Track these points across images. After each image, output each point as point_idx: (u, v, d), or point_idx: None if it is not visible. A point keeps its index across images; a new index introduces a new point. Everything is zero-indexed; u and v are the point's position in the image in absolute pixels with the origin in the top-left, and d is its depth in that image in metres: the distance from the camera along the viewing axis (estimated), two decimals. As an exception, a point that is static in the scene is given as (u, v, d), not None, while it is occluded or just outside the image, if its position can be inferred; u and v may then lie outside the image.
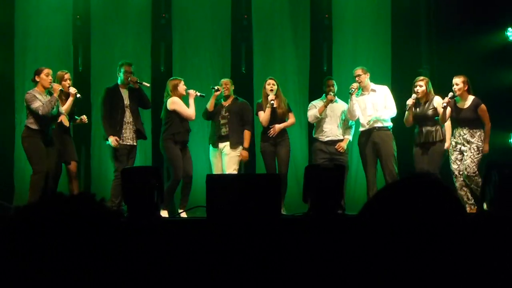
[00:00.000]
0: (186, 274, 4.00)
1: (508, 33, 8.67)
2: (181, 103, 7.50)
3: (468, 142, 7.14)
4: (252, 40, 9.32)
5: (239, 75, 9.11)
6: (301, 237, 4.70)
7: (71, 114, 7.37)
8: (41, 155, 6.88)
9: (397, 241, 1.26)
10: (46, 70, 7.00)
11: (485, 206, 6.55)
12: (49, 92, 7.04)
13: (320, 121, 7.79)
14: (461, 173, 7.16)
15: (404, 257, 1.24)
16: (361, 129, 7.67)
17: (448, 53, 8.65)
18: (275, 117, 7.68)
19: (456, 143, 7.24)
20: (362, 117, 7.63)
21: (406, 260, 1.24)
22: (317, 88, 8.44)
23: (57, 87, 7.02)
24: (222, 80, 7.84)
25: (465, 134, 7.18)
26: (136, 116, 7.41)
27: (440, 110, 7.22)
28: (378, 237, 1.28)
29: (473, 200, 7.08)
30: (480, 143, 7.12)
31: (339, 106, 7.87)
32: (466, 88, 7.20)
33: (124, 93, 7.38)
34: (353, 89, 7.55)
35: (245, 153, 7.65)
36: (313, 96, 8.50)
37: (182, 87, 7.53)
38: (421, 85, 7.32)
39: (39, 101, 6.86)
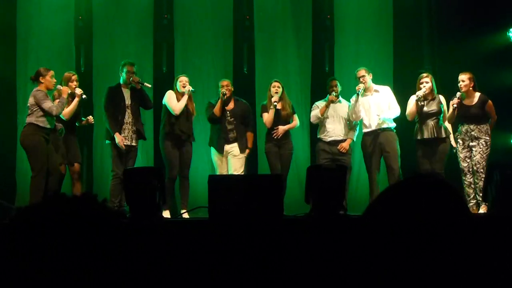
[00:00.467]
0: (188, 274, 4.00)
1: (510, 34, 8.67)
2: (171, 96, 7.57)
3: (476, 138, 7.15)
4: (254, 41, 9.32)
5: (241, 76, 9.11)
6: (303, 237, 4.70)
7: (77, 115, 7.37)
8: (43, 153, 6.87)
9: (401, 242, 1.25)
10: (51, 72, 7.03)
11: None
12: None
13: (323, 121, 7.81)
14: (470, 170, 7.18)
15: (408, 258, 1.24)
16: (365, 130, 7.66)
17: (449, 53, 8.64)
18: (279, 119, 7.71)
19: (464, 140, 7.24)
20: (366, 118, 7.62)
21: (409, 261, 1.24)
22: (319, 88, 8.45)
23: (66, 89, 7.05)
24: (223, 81, 7.82)
25: (472, 131, 7.19)
26: (137, 117, 7.42)
27: (445, 108, 7.25)
28: (381, 238, 1.27)
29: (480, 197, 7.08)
30: (488, 138, 7.16)
31: (343, 106, 7.87)
32: (472, 85, 7.23)
33: (126, 93, 7.40)
34: (360, 90, 7.56)
35: (248, 152, 7.79)
36: (315, 97, 8.50)
37: (179, 83, 7.58)
38: (427, 81, 7.35)
39: (50, 101, 6.89)
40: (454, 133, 7.40)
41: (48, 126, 6.88)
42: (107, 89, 7.48)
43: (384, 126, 7.53)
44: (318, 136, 7.92)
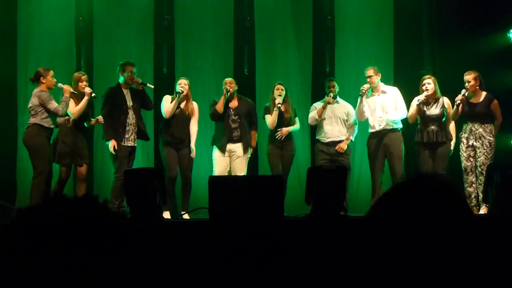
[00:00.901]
0: (188, 275, 4.00)
1: (510, 35, 8.67)
2: (165, 100, 7.59)
3: (480, 137, 7.15)
4: (254, 42, 9.31)
5: (241, 77, 9.09)
6: (304, 238, 4.70)
7: (86, 115, 7.34)
8: (47, 154, 6.89)
9: (403, 242, 1.25)
10: (51, 72, 7.05)
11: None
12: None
13: (321, 122, 7.81)
14: (473, 169, 7.18)
15: (409, 258, 1.24)
16: (370, 130, 7.65)
17: (450, 54, 8.64)
18: (282, 121, 7.72)
19: (467, 138, 7.23)
20: (371, 118, 7.61)
21: (411, 261, 1.24)
22: (320, 89, 8.44)
23: (67, 88, 7.05)
24: (226, 79, 7.83)
25: (476, 130, 7.19)
26: (139, 117, 7.42)
27: (450, 110, 7.24)
28: (383, 239, 1.27)
29: (481, 197, 7.08)
30: (492, 138, 7.17)
31: (340, 107, 7.88)
32: (478, 84, 7.23)
33: (126, 94, 7.38)
34: (364, 90, 7.55)
35: (252, 151, 7.80)
36: (316, 97, 8.50)
37: (178, 86, 7.58)
38: (429, 82, 7.34)
39: (55, 101, 6.90)
40: (458, 133, 7.40)
41: (52, 126, 6.92)
42: (107, 90, 7.42)
43: (390, 127, 7.52)
44: (316, 137, 7.93)
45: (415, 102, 7.37)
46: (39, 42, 8.83)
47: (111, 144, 7.17)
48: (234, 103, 7.75)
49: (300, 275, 4.06)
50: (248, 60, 9.37)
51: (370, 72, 7.62)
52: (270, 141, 7.84)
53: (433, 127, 7.29)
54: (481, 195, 7.05)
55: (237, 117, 7.68)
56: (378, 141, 7.54)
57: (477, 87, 7.24)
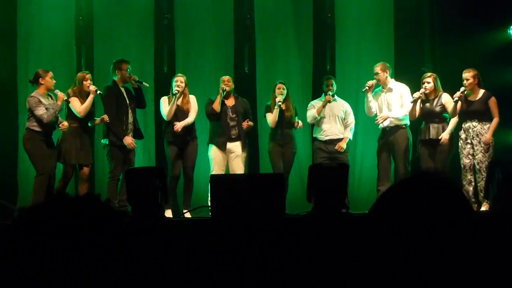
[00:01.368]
0: (190, 274, 4.00)
1: (511, 31, 8.66)
2: (163, 103, 7.57)
3: (478, 135, 7.16)
4: (255, 40, 9.30)
5: (242, 75, 9.10)
6: (305, 236, 4.70)
7: (90, 114, 7.33)
8: (44, 156, 6.92)
9: (404, 240, 1.25)
10: (50, 73, 7.07)
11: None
12: (49, 95, 7.09)
13: (319, 120, 7.83)
14: (472, 167, 7.19)
15: (411, 256, 1.24)
16: (380, 126, 7.65)
17: (451, 51, 8.65)
18: (283, 120, 7.72)
19: (466, 137, 7.24)
20: (379, 115, 7.63)
21: (412, 259, 1.24)
22: (320, 87, 8.44)
23: (62, 95, 7.05)
24: (224, 77, 7.81)
25: (475, 127, 7.20)
26: (135, 116, 7.42)
27: (450, 107, 7.25)
28: (384, 236, 1.28)
29: (480, 195, 7.09)
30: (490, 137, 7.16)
31: (339, 105, 7.91)
32: (476, 82, 7.24)
33: (124, 92, 7.36)
34: (368, 87, 7.56)
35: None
36: (316, 95, 8.50)
37: (174, 83, 7.53)
38: (428, 81, 7.36)
39: (43, 106, 6.89)
40: (457, 130, 7.40)
41: (44, 129, 6.92)
42: (106, 89, 7.33)
43: (396, 124, 7.52)
44: (314, 135, 7.95)
45: (410, 99, 7.42)
46: (39, 42, 8.82)
47: (127, 141, 7.16)
48: (231, 102, 7.75)
49: (302, 273, 4.07)
50: (248, 58, 9.36)
51: (377, 68, 7.65)
52: (271, 139, 7.85)
53: (435, 124, 7.31)
54: (480, 193, 7.06)
55: (234, 115, 7.68)
56: (385, 138, 7.57)
57: (476, 85, 7.25)
